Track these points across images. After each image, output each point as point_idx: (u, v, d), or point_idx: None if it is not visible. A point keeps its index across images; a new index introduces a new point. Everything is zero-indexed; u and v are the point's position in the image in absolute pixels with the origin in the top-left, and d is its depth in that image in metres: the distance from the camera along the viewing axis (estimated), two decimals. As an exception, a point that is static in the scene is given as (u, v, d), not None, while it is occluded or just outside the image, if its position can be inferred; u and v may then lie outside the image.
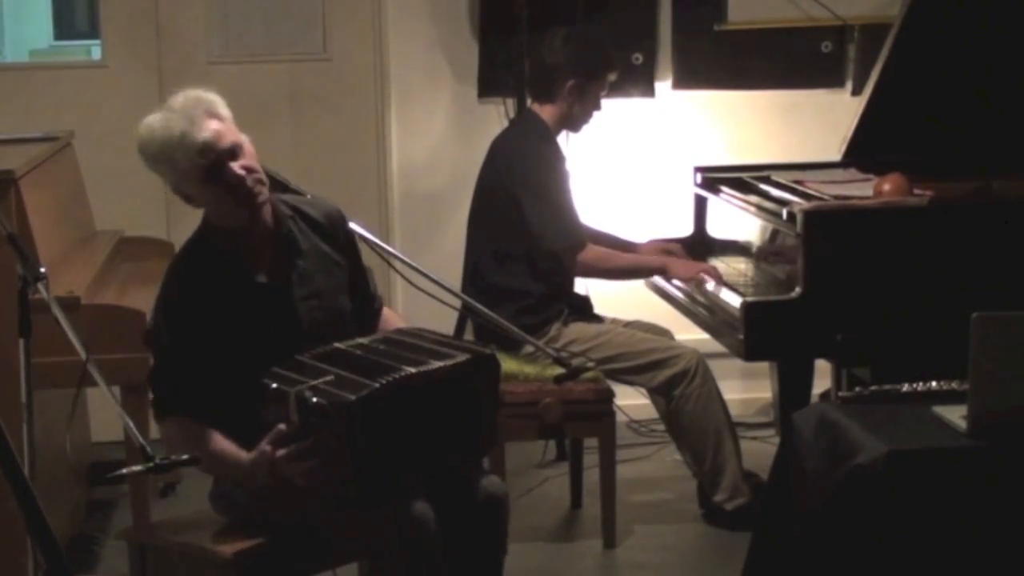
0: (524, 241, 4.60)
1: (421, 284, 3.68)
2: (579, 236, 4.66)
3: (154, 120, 3.19)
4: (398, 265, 3.77)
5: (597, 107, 4.75)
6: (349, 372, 3.03)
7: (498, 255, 4.64)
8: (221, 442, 3.17)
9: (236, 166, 3.17)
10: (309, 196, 3.52)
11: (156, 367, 3.28)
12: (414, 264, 3.77)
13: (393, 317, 3.57)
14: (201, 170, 3.15)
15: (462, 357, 3.12)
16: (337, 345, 3.17)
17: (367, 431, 2.97)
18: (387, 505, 3.07)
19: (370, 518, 3.09)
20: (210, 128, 3.15)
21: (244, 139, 3.23)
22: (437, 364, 3.07)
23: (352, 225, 3.49)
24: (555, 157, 4.69)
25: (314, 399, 2.98)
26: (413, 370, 3.02)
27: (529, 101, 4.80)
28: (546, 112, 4.71)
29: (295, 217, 3.34)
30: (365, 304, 3.46)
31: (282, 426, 3.04)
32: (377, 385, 2.97)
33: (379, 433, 2.99)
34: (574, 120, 4.74)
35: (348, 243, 3.44)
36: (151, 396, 3.29)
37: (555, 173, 4.65)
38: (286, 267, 3.28)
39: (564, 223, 4.63)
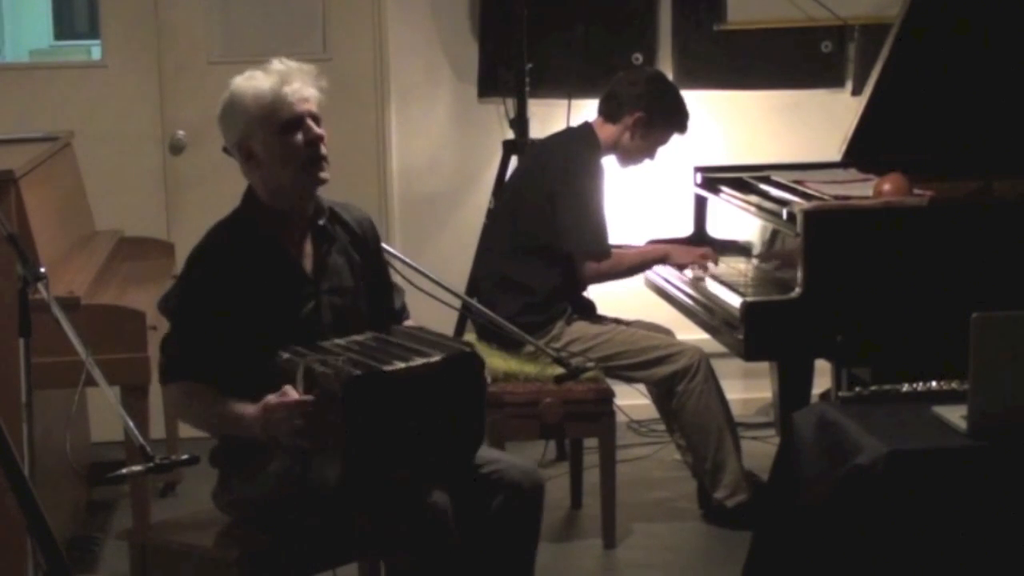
0: (546, 236, 4.62)
1: (421, 284, 3.69)
2: (603, 246, 4.68)
3: (249, 74, 3.28)
4: (398, 265, 3.77)
5: (650, 155, 4.80)
6: (358, 356, 3.09)
7: (515, 248, 4.66)
8: (225, 399, 3.18)
9: (315, 128, 3.27)
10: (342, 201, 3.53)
11: (170, 332, 3.29)
12: (414, 264, 3.77)
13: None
14: (283, 120, 3.23)
15: (439, 356, 3.12)
16: (337, 341, 3.19)
17: (367, 410, 3.01)
18: (403, 496, 3.08)
19: (385, 510, 3.09)
20: (305, 88, 3.27)
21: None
22: (421, 361, 3.09)
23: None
24: (598, 169, 4.72)
25: (321, 369, 3.03)
26: (405, 364, 3.06)
27: (593, 117, 4.82)
28: (604, 131, 4.75)
29: (331, 215, 3.38)
30: (387, 318, 3.45)
31: (288, 387, 3.06)
32: (384, 368, 3.03)
33: (377, 416, 3.03)
34: (626, 153, 4.77)
35: (376, 253, 3.48)
36: (160, 361, 3.29)
37: (595, 182, 4.68)
38: (318, 258, 3.32)
39: (593, 230, 4.64)
